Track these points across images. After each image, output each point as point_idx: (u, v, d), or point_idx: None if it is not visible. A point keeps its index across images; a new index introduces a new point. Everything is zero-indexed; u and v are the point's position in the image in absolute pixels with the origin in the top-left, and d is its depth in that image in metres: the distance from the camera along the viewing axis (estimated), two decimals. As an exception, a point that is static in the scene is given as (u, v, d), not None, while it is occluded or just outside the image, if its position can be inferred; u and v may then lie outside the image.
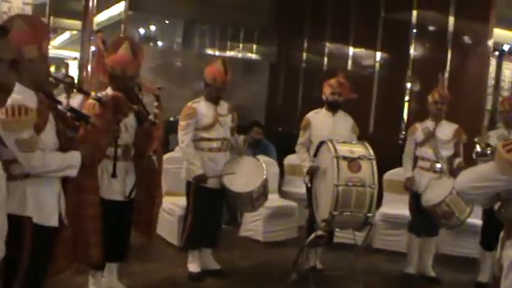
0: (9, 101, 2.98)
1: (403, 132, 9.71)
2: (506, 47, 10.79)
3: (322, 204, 5.17)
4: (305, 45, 12.33)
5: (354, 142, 5.27)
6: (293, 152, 7.92)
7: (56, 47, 19.73)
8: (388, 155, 6.91)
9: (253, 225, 6.70)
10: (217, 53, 13.74)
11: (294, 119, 11.80)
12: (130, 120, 4.27)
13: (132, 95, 4.37)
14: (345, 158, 4.92)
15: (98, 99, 3.58)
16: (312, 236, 5.15)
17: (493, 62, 10.58)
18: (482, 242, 5.91)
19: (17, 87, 3.09)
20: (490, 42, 8.73)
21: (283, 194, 7.34)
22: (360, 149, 5.06)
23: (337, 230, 5.44)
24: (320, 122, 5.62)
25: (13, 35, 3.11)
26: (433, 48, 9.60)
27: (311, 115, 5.70)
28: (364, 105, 9.78)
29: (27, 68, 3.12)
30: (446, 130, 5.76)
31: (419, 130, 5.82)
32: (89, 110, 3.86)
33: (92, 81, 4.85)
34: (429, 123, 5.81)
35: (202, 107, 5.27)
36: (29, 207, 3.15)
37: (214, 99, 5.31)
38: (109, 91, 4.32)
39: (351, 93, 10.18)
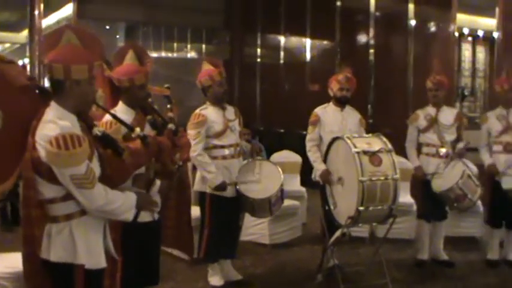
0: (58, 130, 2.66)
1: (370, 120, 9.79)
2: (480, 33, 11.08)
3: (343, 201, 5.07)
4: (259, 40, 12.22)
5: (368, 136, 5.18)
6: (273, 150, 7.90)
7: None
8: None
9: (257, 228, 6.55)
10: (163, 55, 13.39)
11: (253, 116, 11.77)
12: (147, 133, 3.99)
13: (145, 104, 4.09)
14: (365, 152, 4.84)
15: (142, 138, 3.19)
16: (338, 233, 5.04)
17: (469, 47, 10.86)
18: (489, 220, 6.03)
19: (57, 110, 2.75)
20: (452, 28, 8.94)
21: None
22: (377, 142, 4.99)
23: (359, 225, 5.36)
24: (329, 117, 5.53)
25: (61, 50, 2.80)
26: (394, 35, 9.71)
27: (319, 110, 5.59)
28: (328, 98, 9.82)
29: (73, 90, 2.77)
30: (448, 115, 5.81)
31: (421, 117, 5.83)
32: (105, 128, 3.58)
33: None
34: (430, 110, 5.83)
35: (211, 114, 5.06)
36: (80, 253, 2.75)
37: (220, 98, 5.12)
38: (120, 107, 4.02)
39: (312, 85, 10.24)
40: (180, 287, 5.26)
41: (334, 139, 5.18)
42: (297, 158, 7.61)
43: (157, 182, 3.81)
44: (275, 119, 11.24)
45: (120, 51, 4.18)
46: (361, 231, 6.41)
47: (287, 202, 6.66)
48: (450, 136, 5.74)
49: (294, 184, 7.30)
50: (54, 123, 2.68)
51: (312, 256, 6.10)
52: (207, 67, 5.16)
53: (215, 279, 5.21)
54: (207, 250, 5.10)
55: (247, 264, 5.92)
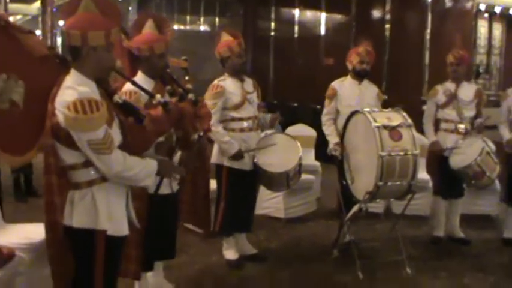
0: (76, 95, 2.64)
1: (385, 96, 9.68)
2: (497, 9, 10.87)
3: (361, 176, 5.02)
4: (273, 13, 12.06)
5: (388, 110, 5.10)
6: (287, 124, 7.83)
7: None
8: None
9: (272, 202, 6.50)
10: (176, 28, 13.28)
11: (266, 89, 11.67)
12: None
13: (165, 74, 4.02)
14: (385, 127, 4.77)
15: (164, 104, 3.16)
16: (355, 209, 5.02)
17: (485, 24, 10.68)
18: (506, 198, 5.97)
19: (77, 77, 2.76)
20: (470, 4, 8.79)
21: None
22: (397, 117, 4.92)
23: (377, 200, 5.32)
24: (347, 91, 5.46)
25: (78, 17, 2.77)
26: (411, 10, 9.55)
27: (336, 84, 5.53)
28: (343, 72, 9.73)
29: (90, 56, 2.76)
30: (468, 91, 5.70)
31: (441, 92, 5.73)
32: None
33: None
34: (450, 85, 5.73)
35: (229, 85, 4.98)
36: (101, 219, 2.77)
37: (238, 70, 5.02)
38: (139, 77, 3.96)
39: (326, 59, 10.10)
40: (194, 260, 5.23)
41: (353, 113, 5.12)
42: (311, 132, 7.55)
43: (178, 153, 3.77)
44: (289, 93, 11.15)
45: (138, 21, 4.12)
46: (377, 206, 6.35)
47: (302, 176, 6.62)
48: (469, 112, 5.64)
49: (309, 158, 7.22)
50: (73, 89, 2.68)
51: (327, 231, 6.08)
52: (226, 38, 5.03)
53: (230, 253, 5.18)
54: (222, 223, 5.05)
55: (261, 239, 5.89)
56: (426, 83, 9.11)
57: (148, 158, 2.99)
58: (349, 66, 5.49)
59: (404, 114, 4.95)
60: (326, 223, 6.40)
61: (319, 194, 7.26)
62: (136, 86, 3.34)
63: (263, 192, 6.37)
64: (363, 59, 5.40)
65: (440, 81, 5.87)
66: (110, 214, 2.81)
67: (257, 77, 5.43)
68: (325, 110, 5.51)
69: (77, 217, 2.78)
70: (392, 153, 4.72)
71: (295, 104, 10.97)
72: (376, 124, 4.74)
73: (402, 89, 9.27)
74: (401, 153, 4.74)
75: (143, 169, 2.88)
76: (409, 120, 4.88)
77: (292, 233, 6.13)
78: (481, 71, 12.10)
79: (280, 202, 6.43)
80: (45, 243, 2.91)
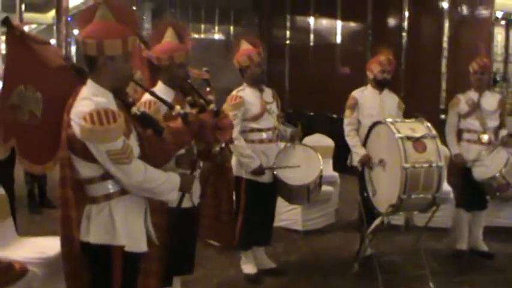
0: (92, 106, 2.55)
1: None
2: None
3: (383, 188, 4.89)
4: (288, 22, 11.98)
5: (411, 120, 4.97)
6: (303, 133, 7.70)
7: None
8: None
9: (289, 214, 6.37)
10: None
11: (282, 99, 11.56)
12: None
13: (185, 85, 3.92)
14: (409, 138, 4.64)
15: (183, 116, 3.07)
16: (377, 222, 4.90)
17: (501, 31, 10.55)
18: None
19: (93, 87, 2.68)
20: (488, 12, 8.66)
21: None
22: (420, 128, 4.79)
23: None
24: (368, 100, 5.33)
25: (94, 26, 2.68)
26: (428, 17, 9.43)
27: (357, 93, 5.39)
28: (359, 81, 9.61)
29: (107, 66, 2.67)
30: (491, 100, 5.56)
31: (463, 101, 5.59)
32: (145, 108, 3.43)
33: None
34: (472, 94, 5.58)
35: (248, 95, 4.87)
36: (119, 234, 2.68)
37: (257, 79, 4.91)
38: (159, 87, 3.86)
39: (342, 68, 9.99)
40: (212, 274, 5.11)
41: (375, 123, 5.00)
42: (329, 142, 7.40)
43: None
44: (305, 102, 11.04)
45: (158, 30, 4.02)
46: (397, 218, 6.20)
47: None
48: (493, 122, 5.50)
49: (327, 169, 7.05)
50: (89, 99, 2.61)
51: (346, 243, 5.95)
52: (245, 47, 4.91)
53: (248, 267, 5.06)
54: (241, 237, 4.91)
55: (279, 251, 5.77)
56: (444, 92, 8.97)
57: (171, 172, 2.91)
58: (370, 76, 5.37)
59: (428, 124, 4.82)
60: (345, 235, 6.27)
61: (338, 205, 7.12)
62: (155, 97, 3.25)
63: (281, 204, 6.22)
64: (385, 68, 5.27)
65: (457, 90, 5.75)
66: (128, 229, 2.73)
67: (273, 86, 5.33)
68: (346, 121, 5.36)
69: (93, 232, 2.69)
70: (416, 165, 4.58)
71: (312, 113, 10.86)
72: (400, 135, 4.62)
73: (419, 98, 9.14)
74: (426, 165, 4.61)
75: (165, 182, 2.79)
76: (433, 131, 4.75)
77: (311, 246, 6.01)
78: (498, 79, 11.95)
79: (298, 214, 6.31)
80: (61, 258, 2.83)
